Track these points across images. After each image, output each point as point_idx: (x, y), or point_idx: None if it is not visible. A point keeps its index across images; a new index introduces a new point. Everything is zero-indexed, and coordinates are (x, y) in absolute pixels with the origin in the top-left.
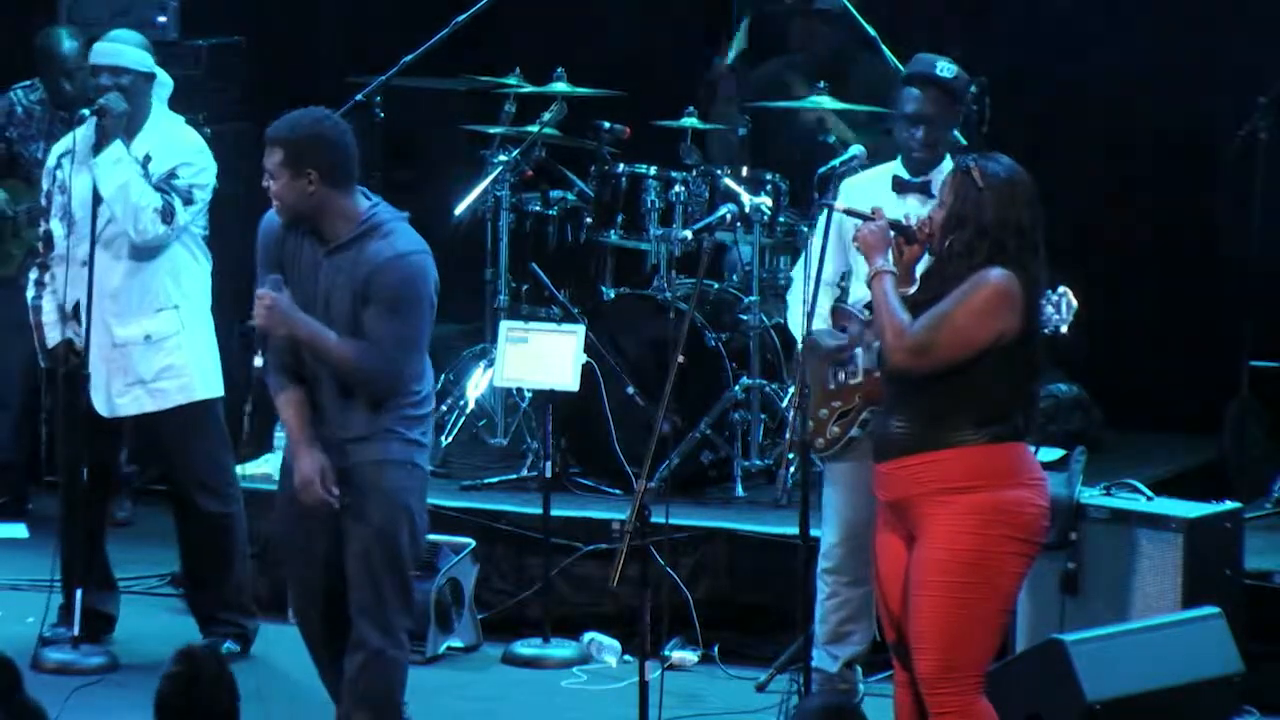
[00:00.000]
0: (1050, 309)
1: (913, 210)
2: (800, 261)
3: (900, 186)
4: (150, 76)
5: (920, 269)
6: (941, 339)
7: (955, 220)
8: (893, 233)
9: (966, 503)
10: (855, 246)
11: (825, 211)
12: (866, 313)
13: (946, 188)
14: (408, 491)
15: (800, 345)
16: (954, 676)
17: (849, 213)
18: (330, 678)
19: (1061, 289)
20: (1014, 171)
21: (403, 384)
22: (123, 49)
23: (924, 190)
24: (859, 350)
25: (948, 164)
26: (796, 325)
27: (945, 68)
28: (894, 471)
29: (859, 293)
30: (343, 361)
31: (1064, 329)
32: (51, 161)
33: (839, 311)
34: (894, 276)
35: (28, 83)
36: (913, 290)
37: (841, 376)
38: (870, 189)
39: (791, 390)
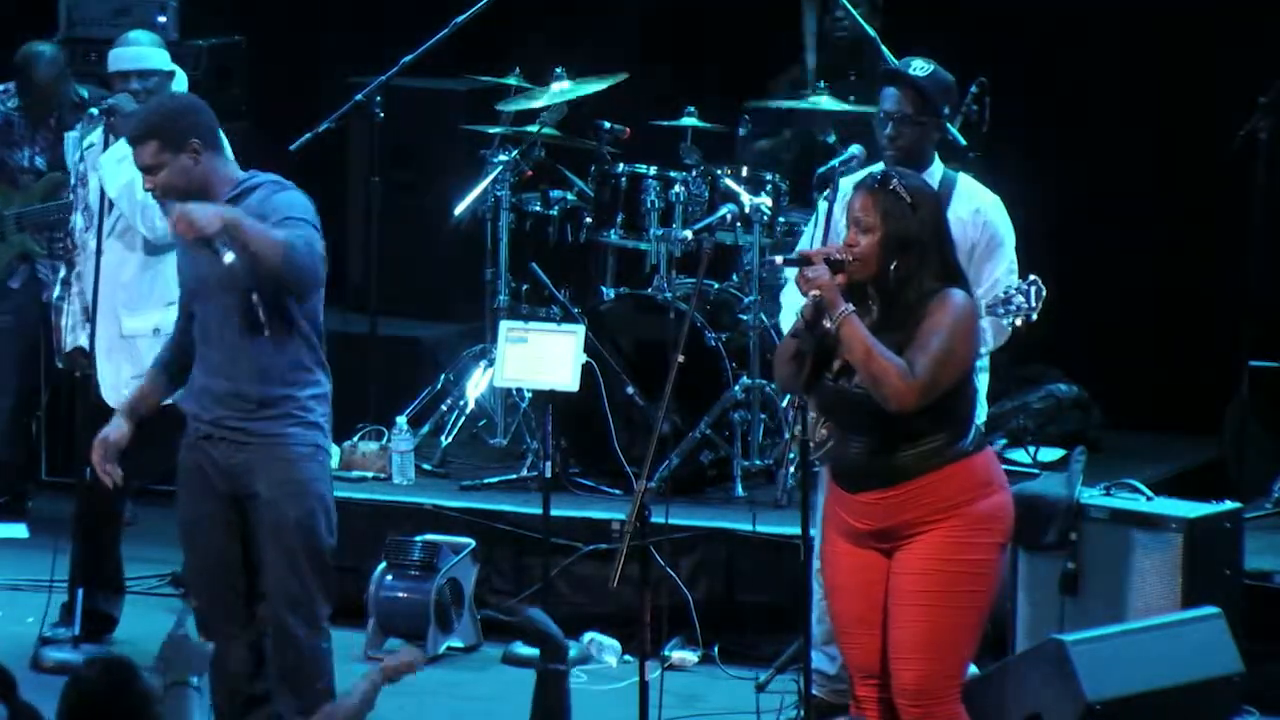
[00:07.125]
0: (1020, 298)
1: None
2: None
3: None
4: (171, 75)
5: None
6: (947, 373)
7: (896, 243)
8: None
9: (962, 515)
10: (812, 296)
11: (824, 205)
12: None
13: (867, 209)
14: (319, 480)
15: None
16: (941, 685)
17: (788, 263)
18: (226, 652)
19: (1032, 277)
20: (926, 181)
21: (314, 280)
22: (146, 51)
23: None
24: None
25: (938, 165)
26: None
27: (920, 66)
28: (882, 500)
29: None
30: (268, 239)
31: (1034, 317)
32: (75, 156)
33: None
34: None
35: (2, 88)
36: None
37: None
38: None
39: None
